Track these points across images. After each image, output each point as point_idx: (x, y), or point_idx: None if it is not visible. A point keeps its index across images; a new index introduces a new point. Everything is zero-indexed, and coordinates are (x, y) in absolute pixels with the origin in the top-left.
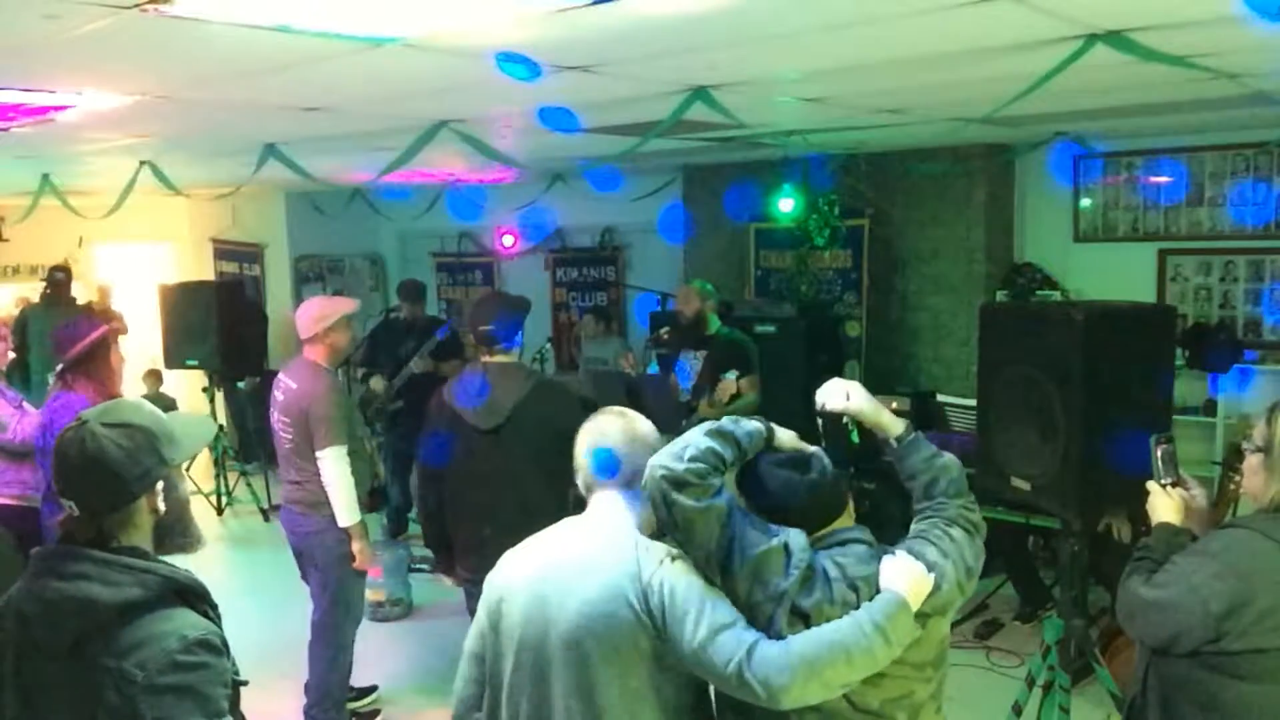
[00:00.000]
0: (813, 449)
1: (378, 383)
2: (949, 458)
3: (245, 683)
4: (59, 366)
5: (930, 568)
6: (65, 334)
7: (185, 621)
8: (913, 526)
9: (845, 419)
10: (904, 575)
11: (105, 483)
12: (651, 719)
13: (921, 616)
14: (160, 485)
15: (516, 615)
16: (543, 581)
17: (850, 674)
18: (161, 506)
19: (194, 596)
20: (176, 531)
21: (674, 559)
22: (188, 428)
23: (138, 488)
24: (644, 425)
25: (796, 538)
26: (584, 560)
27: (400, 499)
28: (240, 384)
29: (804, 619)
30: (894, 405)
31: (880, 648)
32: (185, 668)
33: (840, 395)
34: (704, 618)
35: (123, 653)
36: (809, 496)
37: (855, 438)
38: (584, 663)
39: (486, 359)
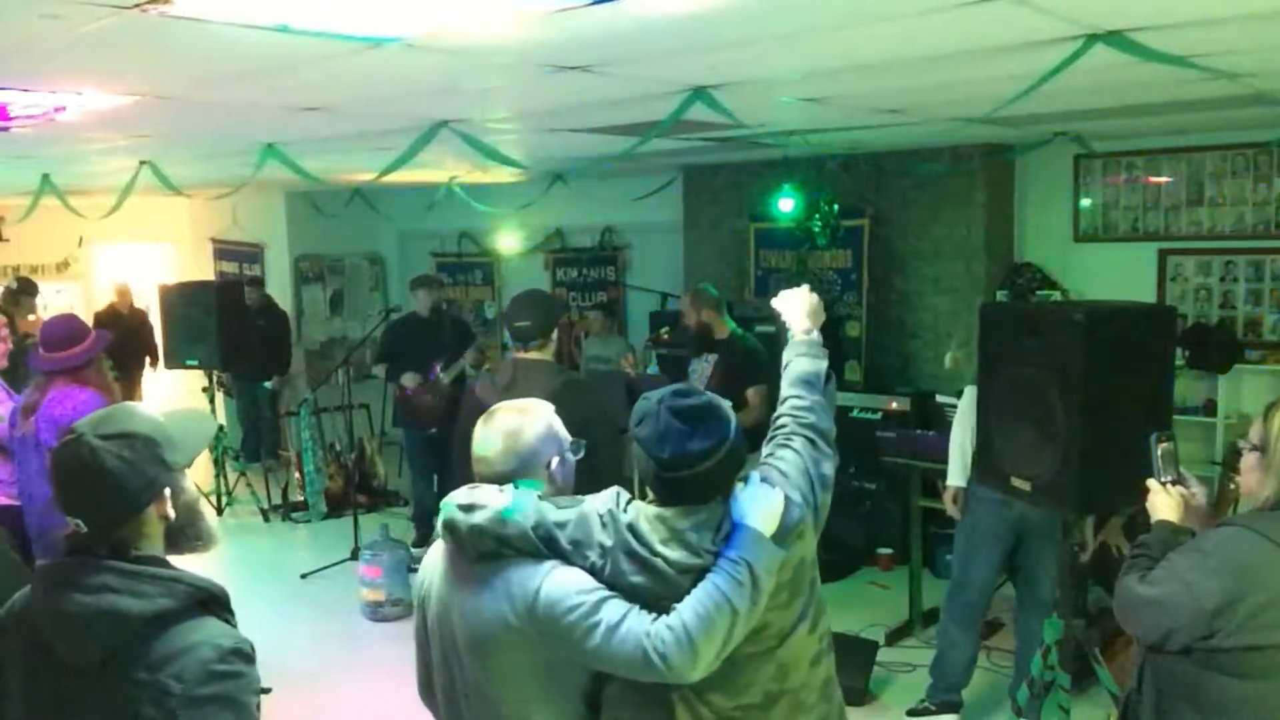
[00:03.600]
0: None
1: (410, 378)
2: (819, 363)
3: (268, 690)
4: (44, 361)
5: (774, 487)
6: (63, 332)
7: (218, 630)
8: (763, 448)
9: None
10: (756, 505)
11: (110, 498)
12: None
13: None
14: (167, 491)
15: (433, 610)
16: (447, 583)
17: (740, 623)
18: (171, 513)
19: (217, 605)
20: (189, 535)
21: (553, 568)
22: (187, 427)
23: (144, 499)
24: (529, 426)
25: (601, 497)
26: (479, 573)
27: (431, 503)
28: (267, 384)
29: (642, 563)
30: (893, 405)
31: (752, 588)
32: (223, 677)
33: (784, 299)
34: (598, 621)
35: (157, 665)
36: (675, 459)
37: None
38: (479, 671)
39: (520, 355)
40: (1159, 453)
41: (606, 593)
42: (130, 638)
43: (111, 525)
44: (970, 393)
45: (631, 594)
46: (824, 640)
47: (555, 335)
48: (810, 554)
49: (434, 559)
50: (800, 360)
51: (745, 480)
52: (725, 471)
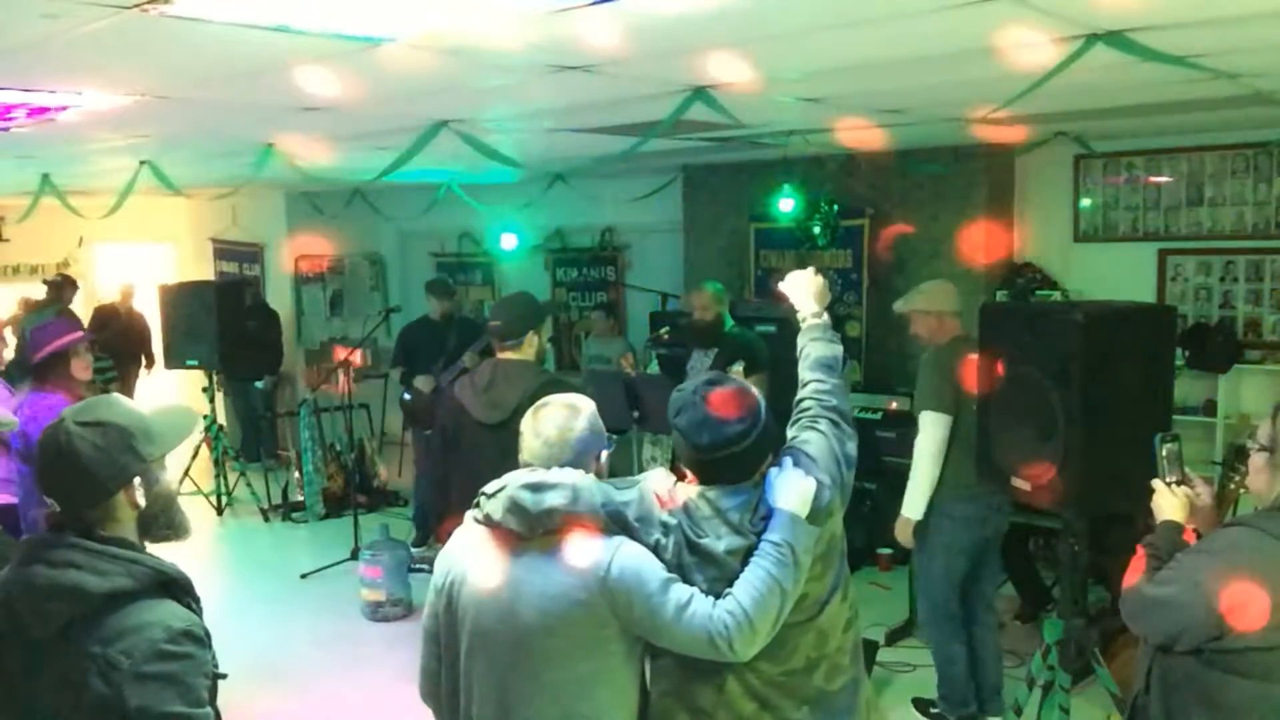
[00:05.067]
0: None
1: (424, 381)
2: (834, 347)
3: (224, 675)
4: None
5: (805, 472)
6: (37, 336)
7: (170, 612)
8: (788, 430)
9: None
10: (791, 489)
11: (79, 481)
12: (604, 697)
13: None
14: (137, 481)
15: (469, 597)
16: (493, 570)
17: (789, 601)
18: (141, 501)
19: (178, 588)
20: (160, 524)
21: (622, 543)
22: (167, 421)
23: (113, 485)
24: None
25: (655, 476)
26: (539, 550)
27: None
28: (258, 383)
29: (696, 550)
30: (893, 405)
31: (795, 567)
32: (170, 657)
33: (790, 282)
34: (666, 600)
35: (109, 640)
36: (710, 448)
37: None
38: (537, 649)
39: (499, 356)
40: (1164, 453)
41: (670, 573)
42: (87, 612)
43: (81, 507)
44: (933, 420)
45: (686, 574)
46: (853, 607)
47: (535, 337)
48: (839, 529)
49: (464, 548)
50: (817, 345)
51: (779, 465)
52: (759, 451)
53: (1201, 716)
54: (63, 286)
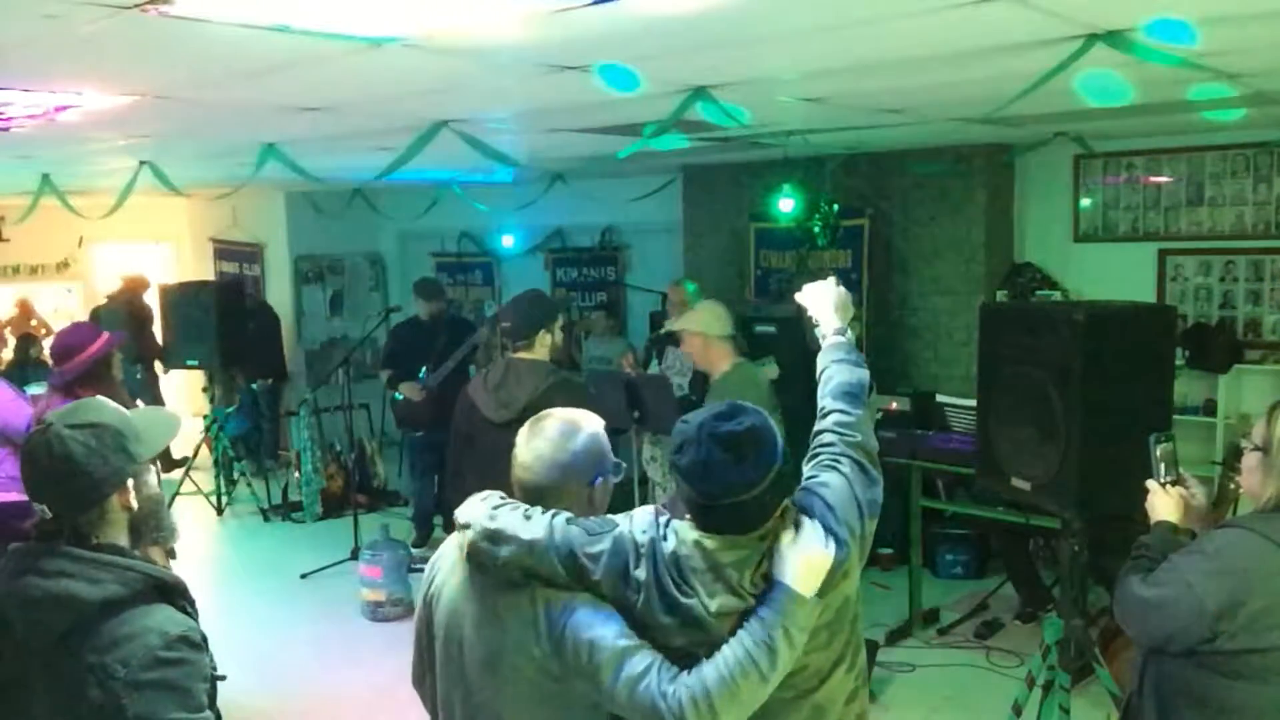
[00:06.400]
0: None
1: (410, 388)
2: (860, 372)
3: (223, 678)
4: (59, 375)
5: (827, 537)
6: (65, 342)
7: (166, 618)
8: (805, 467)
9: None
10: (800, 563)
11: (75, 485)
12: None
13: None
14: (130, 483)
15: (442, 614)
16: (465, 595)
17: (765, 687)
18: (134, 504)
19: (174, 593)
20: (151, 527)
21: (583, 604)
22: (152, 423)
23: (108, 487)
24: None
25: (639, 518)
26: (502, 598)
27: (430, 504)
28: (254, 385)
29: (675, 611)
30: (894, 405)
31: (786, 649)
32: (167, 663)
33: (809, 294)
34: (620, 669)
35: (105, 649)
36: (721, 492)
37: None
38: (498, 696)
39: (513, 355)
40: (1158, 453)
41: (633, 640)
42: (82, 621)
43: (75, 511)
44: None
45: (662, 635)
46: (859, 677)
47: (548, 335)
48: (853, 591)
49: (449, 561)
50: (839, 369)
51: (797, 523)
52: (771, 500)
53: (1195, 718)
54: (135, 283)
